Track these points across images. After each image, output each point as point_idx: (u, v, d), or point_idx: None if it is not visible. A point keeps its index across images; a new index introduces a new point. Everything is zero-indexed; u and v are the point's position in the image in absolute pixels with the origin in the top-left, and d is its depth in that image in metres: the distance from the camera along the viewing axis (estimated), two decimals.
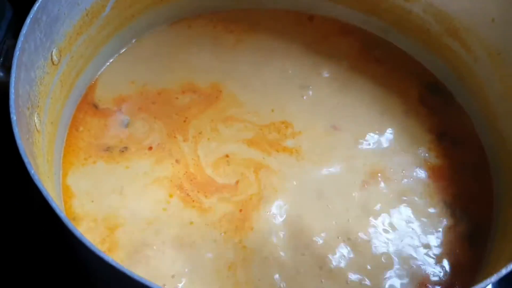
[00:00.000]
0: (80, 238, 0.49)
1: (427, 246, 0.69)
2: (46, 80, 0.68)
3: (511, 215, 0.68)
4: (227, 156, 0.75)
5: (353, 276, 0.66)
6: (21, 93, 0.60)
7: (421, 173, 0.75)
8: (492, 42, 0.77)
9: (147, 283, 0.45)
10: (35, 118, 0.64)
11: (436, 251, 0.69)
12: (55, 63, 0.70)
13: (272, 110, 0.80)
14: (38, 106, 0.66)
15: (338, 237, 0.68)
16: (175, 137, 0.77)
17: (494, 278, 0.48)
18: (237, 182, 0.73)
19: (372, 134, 0.79)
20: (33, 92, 0.64)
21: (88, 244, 0.48)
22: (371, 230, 0.69)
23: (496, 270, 0.49)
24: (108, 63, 0.84)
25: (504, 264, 0.50)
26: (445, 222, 0.71)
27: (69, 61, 0.74)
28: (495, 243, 0.67)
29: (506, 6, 0.73)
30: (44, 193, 0.51)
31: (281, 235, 0.68)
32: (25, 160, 0.53)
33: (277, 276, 0.66)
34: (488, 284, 0.48)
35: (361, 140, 0.78)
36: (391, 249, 0.68)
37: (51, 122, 0.71)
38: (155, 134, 0.77)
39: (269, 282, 0.65)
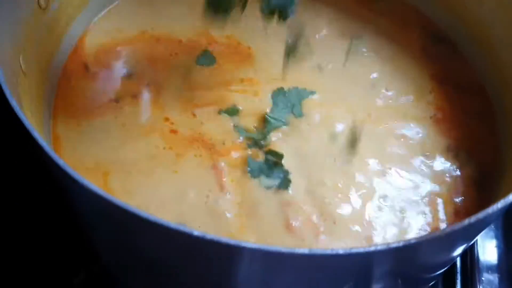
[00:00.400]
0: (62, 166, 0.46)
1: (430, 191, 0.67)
2: (33, 23, 0.66)
3: None
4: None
5: None
6: (4, 29, 0.58)
7: (425, 118, 0.73)
8: None
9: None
10: (20, 59, 0.62)
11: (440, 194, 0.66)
12: (42, 7, 0.68)
13: None
14: (24, 49, 0.64)
15: None
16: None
17: (501, 204, 0.45)
18: None
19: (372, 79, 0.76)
20: (17, 32, 0.62)
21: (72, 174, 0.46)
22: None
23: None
24: (101, 14, 0.81)
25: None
26: (449, 166, 0.68)
27: (58, 8, 0.72)
28: (502, 186, 0.65)
29: None
30: (27, 124, 0.48)
31: None
32: (6, 92, 0.50)
33: None
34: (496, 211, 0.45)
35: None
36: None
37: (40, 70, 0.68)
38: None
39: None
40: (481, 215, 0.45)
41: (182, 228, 0.42)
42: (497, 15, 0.75)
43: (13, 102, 0.50)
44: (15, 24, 0.61)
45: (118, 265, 0.67)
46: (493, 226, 0.83)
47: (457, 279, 0.76)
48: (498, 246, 0.82)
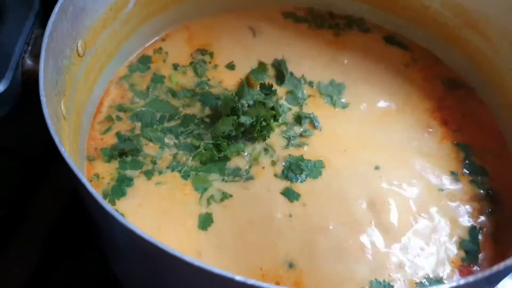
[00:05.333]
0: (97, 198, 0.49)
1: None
2: (72, 71, 0.70)
3: None
4: None
5: None
6: (49, 79, 0.62)
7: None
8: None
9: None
10: (62, 105, 0.66)
11: None
12: (81, 54, 0.72)
13: None
14: (65, 95, 0.67)
15: None
16: None
17: None
18: None
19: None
20: (60, 80, 0.66)
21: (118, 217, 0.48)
22: None
23: None
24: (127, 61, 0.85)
25: None
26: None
27: (93, 54, 0.76)
28: None
29: None
30: (73, 168, 0.51)
31: None
32: (55, 139, 0.53)
33: None
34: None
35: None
36: None
37: (76, 113, 0.72)
38: None
39: None
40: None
41: (224, 273, 0.44)
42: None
43: (62, 149, 0.53)
44: (58, 72, 0.65)
45: None
46: None
47: None
48: None
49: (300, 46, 0.89)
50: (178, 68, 0.84)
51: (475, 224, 0.71)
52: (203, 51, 0.86)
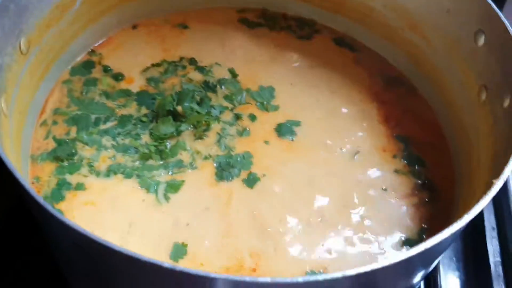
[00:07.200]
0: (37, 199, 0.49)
1: None
2: (15, 69, 0.70)
3: None
4: None
5: None
6: None
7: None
8: (448, 32, 0.80)
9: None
10: (2, 103, 0.65)
11: None
12: (24, 52, 0.72)
13: None
14: (6, 92, 0.67)
15: None
16: None
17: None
18: None
19: None
20: (0, 77, 0.65)
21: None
22: None
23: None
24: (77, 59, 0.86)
25: None
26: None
27: (38, 53, 0.76)
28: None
29: None
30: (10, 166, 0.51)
31: None
32: None
33: None
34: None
35: None
36: None
37: (19, 112, 0.72)
38: None
39: None
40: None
41: (154, 260, 0.45)
42: (449, 61, 0.82)
43: None
44: None
45: None
46: (454, 259, 0.88)
47: None
48: (460, 278, 0.86)
49: (249, 48, 0.91)
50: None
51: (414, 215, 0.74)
52: None
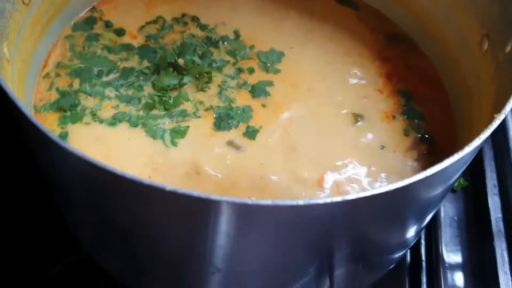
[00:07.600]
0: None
1: None
2: (16, 17, 0.70)
3: None
4: None
5: None
6: None
7: None
8: None
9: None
10: (4, 47, 0.65)
11: None
12: (26, 2, 0.72)
13: None
14: (8, 38, 0.67)
15: None
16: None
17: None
18: None
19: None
20: (1, 22, 0.65)
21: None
22: None
23: None
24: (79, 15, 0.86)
25: None
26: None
27: (40, 5, 0.76)
28: None
29: None
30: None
31: None
32: None
33: None
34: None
35: None
36: None
37: (22, 60, 0.72)
38: None
39: None
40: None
41: (155, 184, 0.45)
42: (450, 14, 0.81)
43: None
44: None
45: (94, 243, 0.70)
46: (456, 218, 0.88)
47: (422, 276, 0.81)
48: (461, 235, 0.87)
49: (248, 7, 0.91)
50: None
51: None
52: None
